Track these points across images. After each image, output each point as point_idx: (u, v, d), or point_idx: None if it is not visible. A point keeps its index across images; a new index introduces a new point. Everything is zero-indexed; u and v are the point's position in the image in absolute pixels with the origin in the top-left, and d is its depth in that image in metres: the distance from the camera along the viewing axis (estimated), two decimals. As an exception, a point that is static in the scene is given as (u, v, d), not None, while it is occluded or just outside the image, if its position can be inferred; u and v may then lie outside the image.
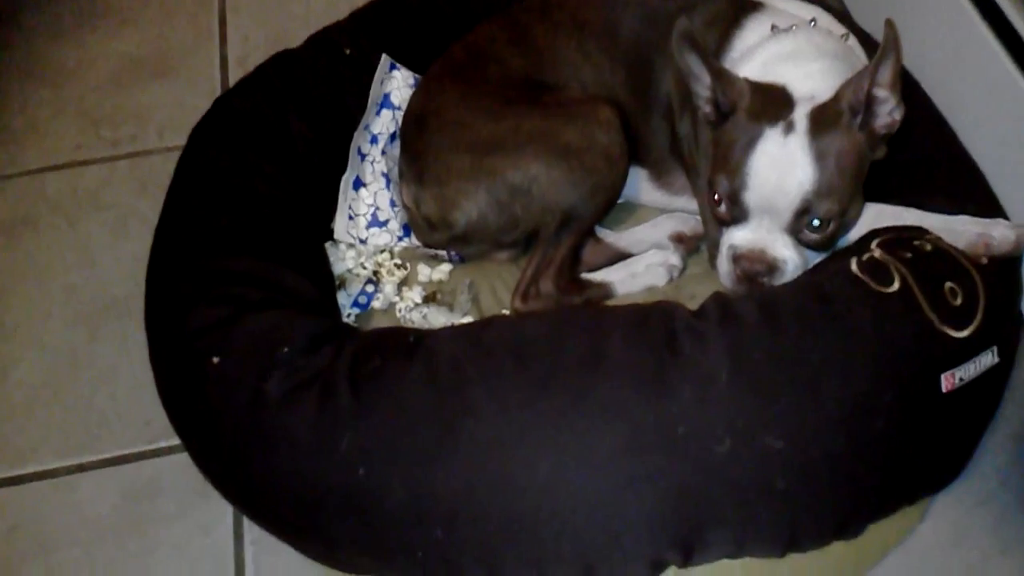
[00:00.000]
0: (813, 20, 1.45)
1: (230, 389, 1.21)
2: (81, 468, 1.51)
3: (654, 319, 1.15)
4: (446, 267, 1.58)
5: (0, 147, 1.95)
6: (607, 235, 1.59)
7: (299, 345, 1.23)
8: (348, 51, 1.70)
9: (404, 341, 1.21)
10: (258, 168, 1.54)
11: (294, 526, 1.21)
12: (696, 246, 1.56)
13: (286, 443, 1.16)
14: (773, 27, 1.42)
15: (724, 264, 1.33)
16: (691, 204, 1.57)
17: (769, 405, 1.07)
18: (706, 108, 1.31)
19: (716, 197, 1.30)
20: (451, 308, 1.52)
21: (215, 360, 1.22)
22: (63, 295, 1.72)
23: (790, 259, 1.29)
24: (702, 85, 1.29)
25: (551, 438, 1.07)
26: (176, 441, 1.48)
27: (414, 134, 1.55)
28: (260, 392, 1.18)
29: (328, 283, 1.48)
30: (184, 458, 1.47)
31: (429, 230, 1.54)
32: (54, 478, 1.50)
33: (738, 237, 1.31)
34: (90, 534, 1.44)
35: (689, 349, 1.10)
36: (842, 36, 1.45)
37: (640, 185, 1.60)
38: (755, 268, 1.29)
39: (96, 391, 1.59)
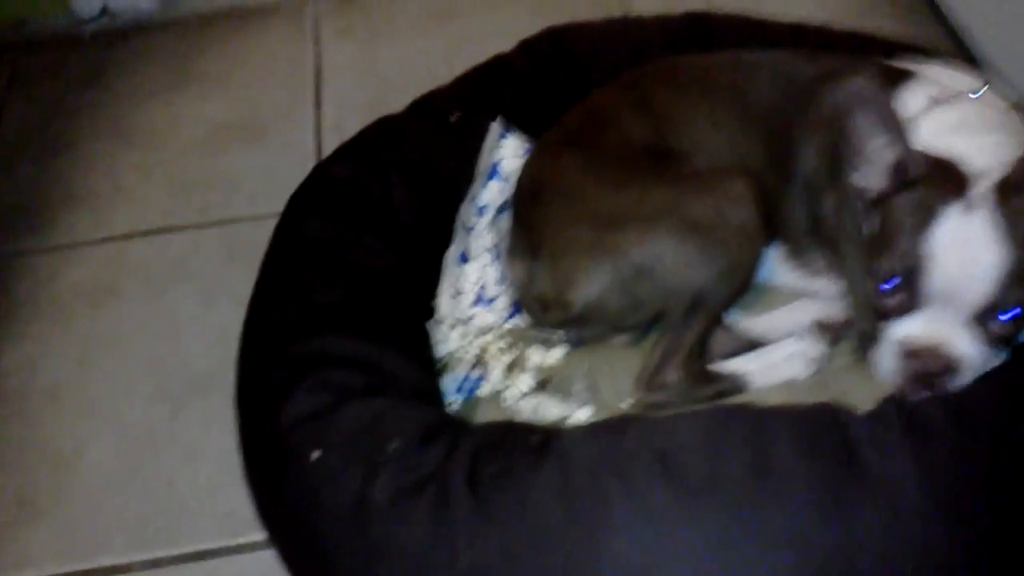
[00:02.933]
0: (976, 90, 1.31)
1: (332, 490, 1.07)
2: (156, 564, 1.37)
3: (825, 424, 0.99)
4: (559, 351, 1.44)
5: (85, 212, 1.88)
6: (738, 321, 1.44)
7: (409, 439, 1.10)
8: (453, 117, 1.60)
9: (528, 441, 1.06)
10: (359, 239, 1.43)
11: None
12: (840, 335, 1.41)
13: (395, 556, 1.01)
14: (932, 98, 1.29)
15: (888, 360, 1.18)
16: (831, 287, 1.42)
17: (968, 536, 0.90)
18: (875, 182, 1.18)
19: (883, 284, 1.16)
20: (566, 397, 1.38)
21: (314, 455, 1.09)
22: (145, 369, 1.61)
23: (972, 357, 1.13)
24: (876, 153, 1.16)
25: (708, 566, 0.91)
26: (261, 537, 1.36)
27: (528, 205, 1.43)
28: (366, 495, 1.04)
29: (431, 367, 1.35)
30: (270, 556, 1.34)
31: (541, 310, 1.41)
32: (127, 574, 1.37)
33: (909, 330, 1.16)
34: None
35: (872, 463, 0.94)
36: (1009, 107, 1.30)
37: (775, 265, 1.45)
38: (930, 367, 1.13)
39: (176, 476, 1.46)
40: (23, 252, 1.81)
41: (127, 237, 1.82)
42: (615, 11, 1.99)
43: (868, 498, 0.91)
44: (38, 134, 2.03)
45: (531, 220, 1.42)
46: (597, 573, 0.93)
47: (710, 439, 0.98)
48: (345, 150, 1.57)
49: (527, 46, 1.70)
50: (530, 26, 1.78)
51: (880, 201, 1.19)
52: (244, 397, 1.27)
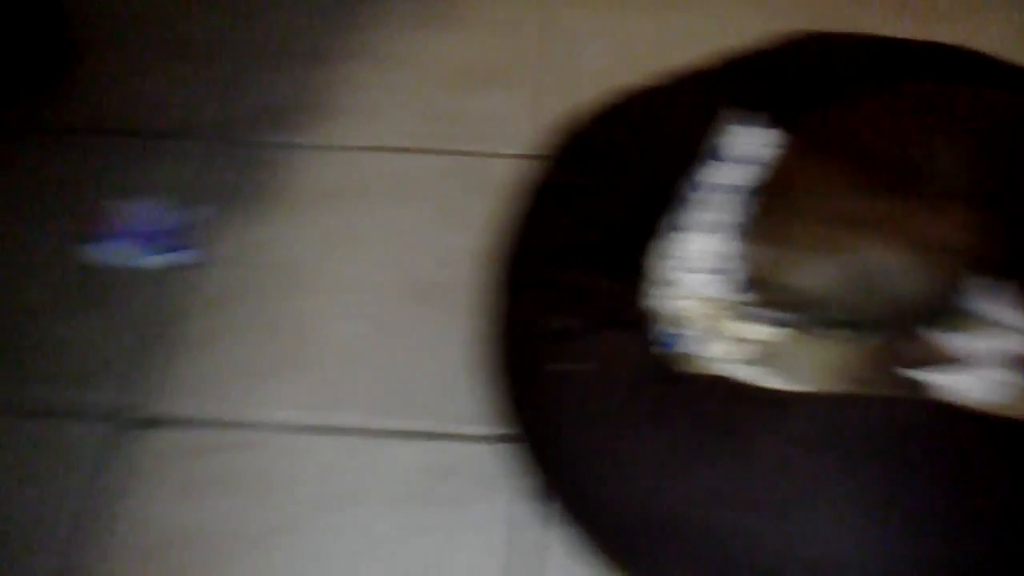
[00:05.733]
0: None
1: (587, 403, 1.26)
2: (389, 434, 1.58)
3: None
4: (772, 330, 1.60)
5: (339, 121, 2.07)
6: (939, 336, 1.57)
7: (662, 370, 1.28)
8: (706, 98, 1.76)
9: (770, 394, 1.24)
10: (607, 190, 1.60)
11: (631, 555, 1.24)
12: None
13: (647, 464, 1.20)
14: None
15: None
16: (1028, 324, 1.54)
17: None
18: None
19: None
20: (761, 372, 1.53)
21: (565, 367, 1.28)
22: (381, 268, 1.80)
23: None
24: None
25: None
26: (484, 432, 1.55)
27: (767, 193, 1.59)
28: (631, 402, 1.23)
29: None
30: (483, 450, 1.53)
31: (763, 290, 1.56)
32: (364, 437, 1.57)
33: None
34: (392, 496, 1.50)
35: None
36: None
37: (982, 292, 1.58)
38: None
39: (409, 365, 1.66)
40: (285, 146, 2.02)
41: (374, 150, 2.02)
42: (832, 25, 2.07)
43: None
44: (300, 42, 2.24)
45: (768, 207, 1.57)
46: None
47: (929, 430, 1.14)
48: (603, 116, 1.74)
49: (784, 44, 1.81)
50: (756, 27, 1.90)
51: None
52: (502, 309, 1.46)
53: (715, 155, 1.73)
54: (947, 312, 1.52)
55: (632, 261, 1.54)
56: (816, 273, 1.50)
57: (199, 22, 2.27)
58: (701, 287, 1.65)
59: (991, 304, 1.58)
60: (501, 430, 1.46)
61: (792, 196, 1.55)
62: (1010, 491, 1.11)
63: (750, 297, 1.59)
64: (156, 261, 1.78)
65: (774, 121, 1.73)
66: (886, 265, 1.46)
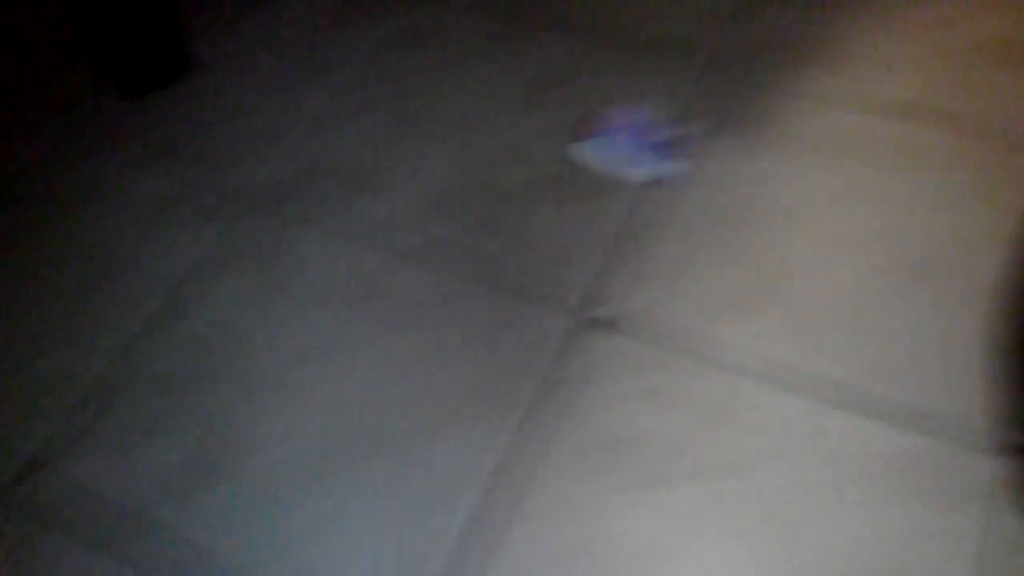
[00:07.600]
0: None
1: None
2: (846, 404, 1.46)
3: None
4: None
5: (835, 72, 1.95)
6: None
7: None
8: None
9: None
10: None
11: None
12: None
13: None
14: None
15: None
16: None
17: None
18: None
19: None
20: None
21: None
22: (872, 233, 1.67)
23: None
24: None
25: None
26: (958, 431, 1.40)
27: None
28: None
29: None
30: (957, 452, 1.38)
31: None
32: (817, 400, 1.47)
33: None
34: (836, 473, 1.39)
35: None
36: None
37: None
38: None
39: (883, 338, 1.53)
40: (783, 86, 1.93)
41: (878, 111, 1.87)
42: None
43: None
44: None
45: None
46: None
47: None
48: None
49: None
50: None
51: None
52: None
53: None
54: None
55: None
56: None
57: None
58: None
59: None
60: (998, 438, 1.30)
61: None
62: None
63: None
64: (640, 171, 1.78)
65: None
66: None
